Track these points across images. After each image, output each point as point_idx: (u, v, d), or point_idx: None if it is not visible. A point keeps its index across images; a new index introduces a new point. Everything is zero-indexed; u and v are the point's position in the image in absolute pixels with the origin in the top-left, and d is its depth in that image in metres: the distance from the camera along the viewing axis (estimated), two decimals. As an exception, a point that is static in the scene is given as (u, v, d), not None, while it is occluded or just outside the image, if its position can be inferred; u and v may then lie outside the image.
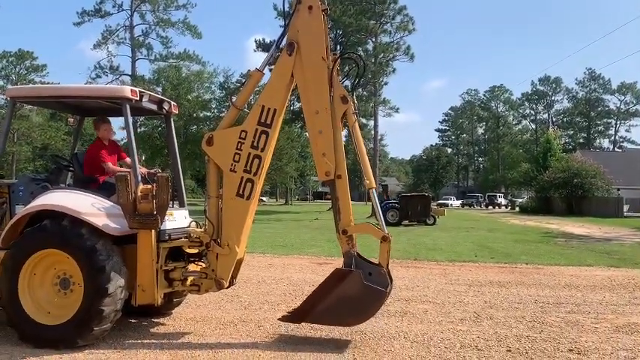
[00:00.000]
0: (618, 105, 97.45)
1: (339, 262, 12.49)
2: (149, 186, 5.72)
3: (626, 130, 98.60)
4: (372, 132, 49.85)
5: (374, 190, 5.99)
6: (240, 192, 5.69)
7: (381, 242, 5.69)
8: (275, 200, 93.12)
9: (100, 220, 5.60)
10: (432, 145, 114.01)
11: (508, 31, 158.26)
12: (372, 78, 47.13)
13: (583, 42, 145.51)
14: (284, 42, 5.81)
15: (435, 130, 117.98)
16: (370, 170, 6.00)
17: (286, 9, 5.99)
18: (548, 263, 13.07)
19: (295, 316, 5.96)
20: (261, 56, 45.70)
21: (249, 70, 58.72)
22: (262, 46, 51.94)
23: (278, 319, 6.23)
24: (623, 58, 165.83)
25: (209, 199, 5.93)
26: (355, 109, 5.78)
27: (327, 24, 5.76)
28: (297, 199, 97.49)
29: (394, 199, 32.00)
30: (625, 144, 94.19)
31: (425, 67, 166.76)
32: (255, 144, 5.68)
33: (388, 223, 28.14)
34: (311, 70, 5.63)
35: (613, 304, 8.27)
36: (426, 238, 20.41)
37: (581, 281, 10.38)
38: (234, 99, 6.03)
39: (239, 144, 5.69)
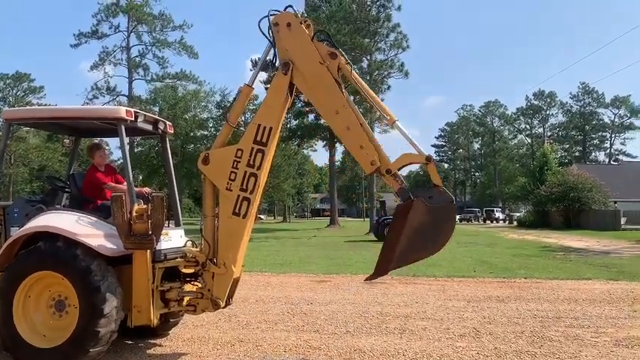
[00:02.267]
0: (612, 118, 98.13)
1: (337, 280, 12.58)
2: (144, 206, 5.71)
3: (621, 143, 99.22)
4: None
5: (397, 123, 5.69)
6: (237, 210, 5.67)
7: (427, 165, 5.51)
8: (273, 218, 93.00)
9: (95, 241, 5.57)
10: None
11: (503, 46, 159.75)
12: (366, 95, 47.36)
13: (576, 56, 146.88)
14: (270, 59, 5.83)
15: (432, 145, 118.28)
16: (384, 106, 5.89)
17: (267, 31, 5.90)
18: (547, 277, 13.02)
19: (379, 271, 5.82)
20: (259, 75, 45.88)
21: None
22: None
23: (364, 281, 6.20)
24: (615, 72, 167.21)
25: (205, 218, 5.91)
26: (346, 60, 5.71)
27: (312, 30, 5.76)
28: (295, 217, 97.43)
29: (392, 216, 31.92)
30: (621, 157, 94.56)
31: (423, 84, 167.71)
32: (251, 162, 5.67)
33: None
34: (314, 78, 5.62)
35: (612, 318, 8.23)
36: (425, 253, 20.29)
37: (580, 295, 10.34)
38: (229, 115, 6.03)
39: (235, 163, 5.68)
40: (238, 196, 5.65)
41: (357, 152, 5.60)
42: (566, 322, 7.92)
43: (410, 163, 5.60)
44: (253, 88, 6.02)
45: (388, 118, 5.68)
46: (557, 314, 8.50)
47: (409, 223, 5.40)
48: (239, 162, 5.66)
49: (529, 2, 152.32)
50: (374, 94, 6.04)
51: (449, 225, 5.55)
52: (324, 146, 56.09)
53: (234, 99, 6.14)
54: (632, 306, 9.23)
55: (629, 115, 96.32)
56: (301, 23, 5.68)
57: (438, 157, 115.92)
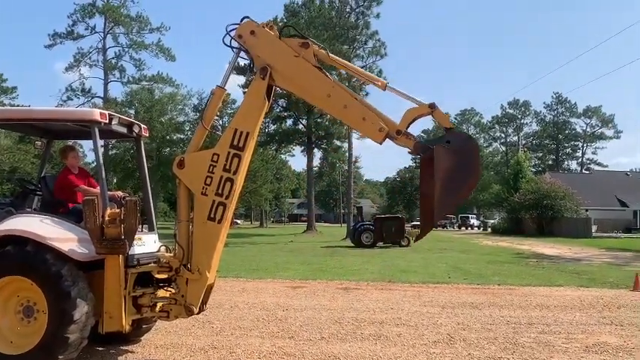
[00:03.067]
0: (584, 128, 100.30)
1: (313, 286, 12.57)
2: (117, 210, 5.62)
3: (593, 153, 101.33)
4: (347, 154, 50.12)
5: (389, 85, 5.65)
6: (212, 215, 5.60)
7: (433, 113, 5.43)
8: (250, 223, 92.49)
9: (66, 245, 5.46)
10: (405, 168, 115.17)
11: (480, 53, 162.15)
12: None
13: (550, 67, 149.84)
14: (247, 64, 5.82)
15: (409, 152, 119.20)
16: (371, 74, 5.87)
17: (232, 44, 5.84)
18: (520, 284, 13.20)
19: (425, 227, 5.80)
20: (236, 79, 45.88)
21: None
22: (236, 68, 52.05)
23: (415, 242, 5.98)
24: (588, 83, 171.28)
25: (179, 223, 5.83)
26: (319, 46, 5.71)
27: (276, 30, 5.75)
28: (273, 222, 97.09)
29: (369, 221, 32.08)
30: (592, 166, 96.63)
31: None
32: (227, 167, 5.61)
33: (363, 245, 28.38)
34: (294, 72, 5.61)
35: (583, 324, 8.38)
36: (400, 259, 20.46)
37: (552, 301, 10.50)
38: (203, 118, 5.95)
39: (211, 167, 5.62)
40: (214, 201, 5.59)
41: (362, 126, 5.54)
42: (538, 329, 8.03)
43: (417, 117, 5.50)
44: (225, 90, 5.96)
45: (379, 83, 5.66)
46: (530, 320, 8.62)
47: (437, 172, 5.30)
48: (215, 166, 5.61)
49: (504, 14, 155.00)
50: (357, 67, 6.07)
51: (475, 160, 5.46)
52: (302, 151, 56.04)
53: (207, 101, 6.08)
54: (601, 312, 9.40)
55: (600, 124, 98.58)
56: (264, 27, 5.69)
57: (414, 164, 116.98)
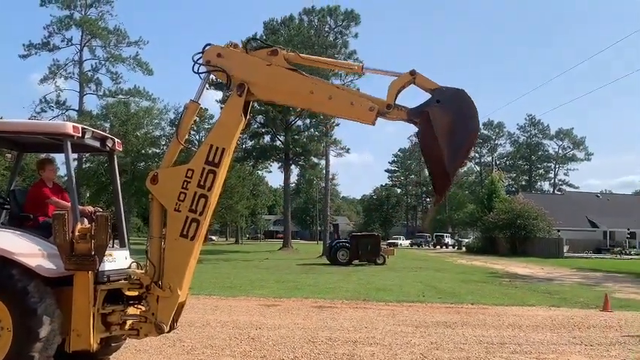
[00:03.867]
0: (557, 150, 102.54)
1: (287, 304, 12.47)
2: (88, 225, 5.51)
3: (565, 174, 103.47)
4: (324, 171, 50.25)
5: (364, 65, 5.64)
6: (185, 232, 5.51)
7: (415, 79, 5.37)
8: (225, 239, 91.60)
9: (34, 261, 5.32)
10: (382, 186, 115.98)
11: (455, 77, 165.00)
12: (323, 119, 47.89)
13: (524, 89, 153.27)
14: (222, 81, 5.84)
15: (385, 170, 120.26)
16: (346, 62, 5.88)
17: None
18: (493, 303, 13.31)
19: (441, 187, 5.57)
20: (214, 94, 45.80)
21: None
22: (214, 84, 52.14)
23: (434, 205, 5.79)
24: (560, 106, 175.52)
25: (151, 240, 5.73)
26: (287, 50, 5.74)
27: (240, 47, 5.79)
28: (248, 238, 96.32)
29: (345, 239, 32.07)
30: (564, 187, 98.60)
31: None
32: (201, 183, 5.55)
33: (339, 263, 28.32)
34: (270, 81, 5.61)
35: (554, 344, 8.47)
36: (376, 278, 20.47)
37: (524, 321, 10.59)
38: (177, 133, 5.90)
39: (185, 183, 5.55)
40: (187, 217, 5.51)
41: (351, 111, 5.51)
42: (510, 348, 8.09)
43: (401, 88, 5.46)
44: (199, 104, 5.95)
45: (355, 67, 5.68)
46: (502, 340, 8.67)
47: (438, 131, 5.26)
48: (189, 182, 5.54)
49: (479, 39, 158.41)
50: (330, 59, 6.09)
51: (469, 107, 5.40)
52: (279, 168, 56.02)
53: (181, 116, 6.05)
54: (572, 332, 9.52)
55: (572, 146, 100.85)
56: (229, 47, 5.74)
57: (390, 182, 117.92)
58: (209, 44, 5.76)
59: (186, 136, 5.99)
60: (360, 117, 5.51)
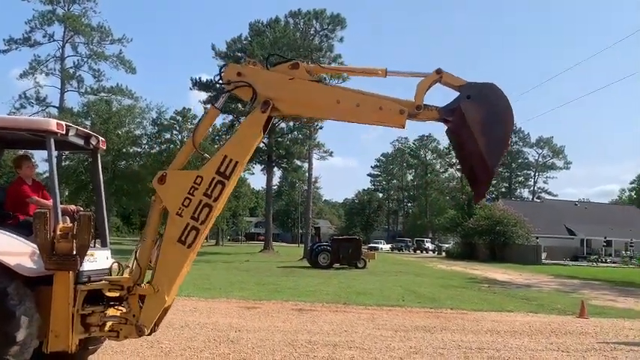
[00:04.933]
0: (536, 158, 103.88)
1: (267, 306, 12.45)
2: (70, 224, 5.44)
3: (544, 182, 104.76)
4: (307, 174, 50.26)
5: (387, 69, 5.51)
6: (183, 238, 5.40)
7: (441, 77, 5.30)
8: (205, 241, 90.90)
9: (13, 260, 5.23)
10: (364, 190, 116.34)
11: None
12: (307, 122, 47.95)
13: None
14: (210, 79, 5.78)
15: (368, 174, 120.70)
16: (367, 67, 5.78)
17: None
18: (471, 309, 13.44)
19: (483, 183, 5.50)
20: (197, 94, 45.58)
21: (184, 108, 57.84)
22: (198, 84, 51.95)
23: (474, 203, 5.60)
24: (541, 115, 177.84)
25: (143, 242, 5.62)
26: (307, 61, 5.69)
27: (259, 63, 5.76)
28: (229, 240, 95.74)
29: (326, 242, 32.11)
30: (543, 195, 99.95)
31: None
32: (208, 192, 5.43)
33: (320, 266, 28.34)
34: (296, 95, 5.50)
35: (531, 350, 8.58)
36: (356, 281, 20.53)
37: (502, 327, 10.72)
38: (194, 136, 5.78)
39: (192, 189, 5.42)
40: (188, 224, 5.40)
41: (381, 116, 5.39)
42: (488, 354, 8.18)
43: (428, 87, 5.37)
44: (220, 111, 5.87)
45: (379, 72, 5.53)
46: (480, 345, 8.77)
47: (474, 126, 5.20)
48: (196, 189, 5.42)
49: (463, 44, 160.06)
50: (351, 66, 6.02)
51: (501, 98, 5.34)
52: (261, 170, 55.88)
53: (199, 120, 5.98)
54: (549, 338, 9.66)
55: (551, 155, 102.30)
56: (247, 64, 5.65)
57: (373, 187, 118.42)
58: (226, 64, 5.68)
59: (201, 141, 5.89)
60: (389, 121, 5.43)
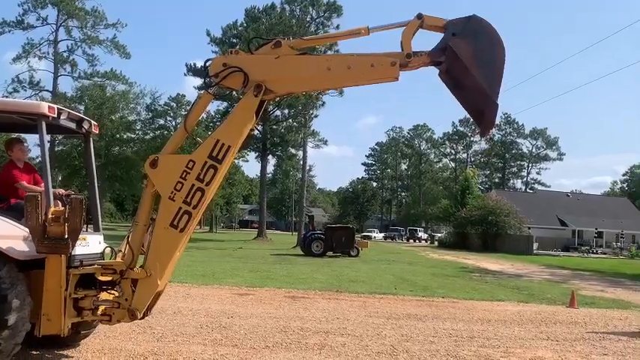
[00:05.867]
0: (530, 149, 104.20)
1: (260, 293, 12.49)
2: (61, 208, 5.42)
3: (537, 173, 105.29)
4: (301, 162, 50.22)
5: (368, 27, 5.47)
6: (175, 222, 5.40)
7: (423, 21, 5.26)
8: (199, 227, 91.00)
9: (4, 243, 5.21)
10: (358, 179, 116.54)
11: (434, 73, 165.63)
12: (302, 110, 47.83)
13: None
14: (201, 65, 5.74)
15: (362, 163, 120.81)
16: (348, 30, 5.73)
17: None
18: (463, 297, 13.52)
19: (490, 118, 5.40)
20: (193, 80, 45.31)
21: (178, 94, 57.51)
22: (193, 70, 51.65)
23: (479, 136, 5.52)
24: (535, 105, 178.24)
25: (135, 226, 5.61)
26: (289, 37, 5.68)
27: (242, 51, 5.74)
28: (222, 227, 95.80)
29: (320, 230, 32.17)
30: (536, 185, 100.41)
31: (361, 104, 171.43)
32: (201, 176, 5.42)
33: (313, 254, 28.42)
34: (286, 72, 5.48)
35: (521, 339, 8.66)
36: (349, 269, 20.60)
37: (493, 316, 10.80)
38: (186, 120, 5.73)
39: (184, 173, 5.42)
40: (180, 208, 5.39)
41: (374, 73, 5.37)
42: (479, 342, 8.24)
43: (413, 34, 5.30)
44: (213, 96, 5.84)
45: (362, 30, 5.47)
46: (471, 334, 8.84)
47: (467, 60, 5.16)
48: (189, 173, 5.41)
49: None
50: (333, 33, 5.98)
51: (488, 29, 5.29)
52: (256, 157, 55.80)
53: (192, 104, 5.93)
54: (539, 327, 9.75)
55: (545, 146, 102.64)
56: (231, 53, 5.63)
57: (367, 176, 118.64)
58: (209, 59, 5.63)
59: (193, 126, 5.86)
60: (383, 76, 5.41)
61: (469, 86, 5.29)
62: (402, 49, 5.29)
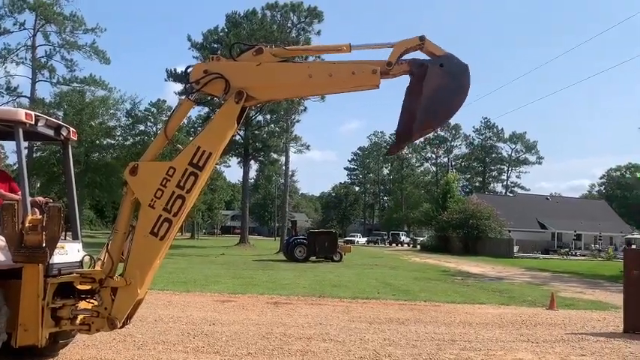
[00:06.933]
0: (510, 153, 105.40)
1: (243, 300, 12.42)
2: (39, 216, 5.34)
3: (517, 176, 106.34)
4: (283, 167, 50.15)
5: (350, 44, 5.48)
6: (155, 230, 5.33)
7: (424, 44, 5.26)
8: (180, 234, 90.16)
9: (-20, 252, 5.13)
10: (340, 183, 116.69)
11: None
12: (284, 115, 47.81)
13: (480, 92, 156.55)
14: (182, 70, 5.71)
15: (345, 168, 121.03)
16: (331, 45, 5.67)
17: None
18: (445, 301, 13.62)
19: (401, 140, 5.49)
20: (173, 86, 45.04)
21: (158, 99, 57.13)
22: (174, 76, 51.32)
23: (387, 155, 5.52)
24: (514, 110, 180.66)
25: (115, 234, 5.55)
26: (271, 45, 5.66)
27: (223, 57, 5.71)
28: (204, 233, 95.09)
29: (302, 236, 32.14)
30: (516, 189, 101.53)
31: (343, 109, 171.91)
32: (181, 184, 5.37)
33: (296, 259, 28.37)
34: (265, 79, 5.46)
35: (502, 341, 8.74)
36: (332, 274, 20.61)
37: (474, 319, 10.89)
38: (166, 127, 5.66)
39: (164, 180, 5.36)
40: (160, 215, 5.33)
41: (355, 80, 5.37)
42: (460, 345, 8.31)
43: (407, 49, 5.30)
44: (194, 103, 5.79)
45: (344, 47, 5.48)
46: (453, 337, 8.90)
47: (426, 88, 5.19)
48: (169, 180, 5.35)
49: (442, 41, 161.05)
50: (315, 45, 6.00)
51: (464, 85, 5.35)
52: (238, 163, 55.57)
53: (173, 111, 5.88)
54: (519, 330, 9.85)
55: (524, 150, 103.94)
56: (212, 59, 5.60)
57: (349, 180, 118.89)
58: (190, 66, 5.60)
59: (174, 132, 5.80)
60: (364, 84, 5.42)
61: (410, 107, 5.34)
62: (389, 58, 5.30)
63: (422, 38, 5.26)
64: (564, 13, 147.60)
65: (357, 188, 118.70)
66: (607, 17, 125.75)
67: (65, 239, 6.02)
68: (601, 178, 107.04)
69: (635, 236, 60.97)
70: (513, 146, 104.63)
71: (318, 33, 48.83)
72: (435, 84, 5.22)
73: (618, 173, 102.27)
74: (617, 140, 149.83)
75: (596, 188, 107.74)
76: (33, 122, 5.63)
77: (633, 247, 47.90)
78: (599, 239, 55.59)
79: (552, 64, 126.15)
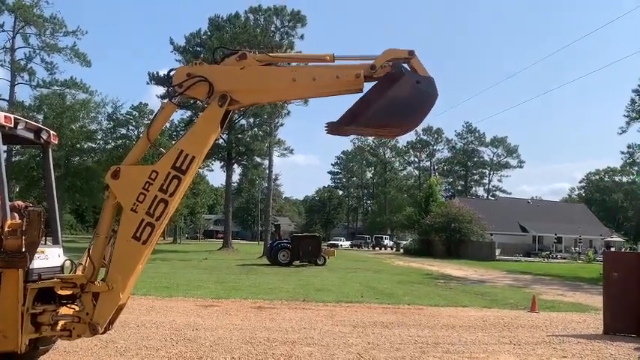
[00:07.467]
0: (491, 157, 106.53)
1: (226, 305, 12.36)
2: (18, 221, 5.26)
3: (499, 180, 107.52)
4: (267, 171, 50.03)
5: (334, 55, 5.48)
6: (138, 234, 5.27)
7: (411, 60, 5.30)
8: (162, 238, 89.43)
9: (-43, 258, 5.03)
10: (324, 187, 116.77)
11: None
12: (267, 119, 47.72)
13: (462, 96, 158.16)
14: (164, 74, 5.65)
15: (328, 172, 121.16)
16: (315, 54, 5.63)
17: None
18: (428, 304, 13.69)
19: (342, 123, 5.35)
20: (155, 89, 44.75)
21: (140, 103, 56.65)
22: (156, 79, 50.97)
23: (325, 127, 5.52)
24: (495, 114, 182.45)
25: (97, 238, 5.46)
26: (254, 51, 5.65)
27: (206, 62, 5.70)
28: (187, 238, 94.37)
29: (286, 239, 32.06)
30: (497, 193, 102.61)
31: (327, 113, 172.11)
32: (164, 187, 5.31)
33: (279, 263, 28.29)
34: (250, 82, 5.44)
35: (484, 344, 8.82)
36: (316, 278, 20.59)
37: (457, 322, 10.97)
38: (149, 130, 5.61)
39: (147, 184, 5.30)
40: (142, 219, 5.27)
41: (339, 84, 5.38)
42: (444, 348, 8.36)
43: (393, 58, 5.30)
44: (177, 107, 5.75)
45: (327, 57, 5.49)
46: (436, 340, 8.95)
47: (391, 92, 5.18)
48: (151, 184, 5.29)
49: (420, 44, 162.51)
50: (299, 54, 5.99)
51: (423, 113, 5.35)
52: (221, 167, 55.31)
53: (155, 114, 5.82)
54: (501, 332, 9.95)
55: (505, 154, 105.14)
56: (195, 64, 5.58)
57: (333, 184, 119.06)
58: (172, 69, 5.56)
59: (156, 136, 5.73)
60: (348, 87, 5.41)
61: (367, 102, 5.31)
62: (373, 62, 5.31)
63: (411, 53, 5.30)
64: (547, 17, 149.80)
65: (340, 192, 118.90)
66: (590, 22, 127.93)
67: (45, 244, 5.93)
68: (581, 182, 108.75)
69: (614, 239, 62.11)
70: (495, 150, 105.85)
71: (302, 37, 48.91)
72: (403, 92, 5.23)
73: (597, 177, 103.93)
74: (597, 145, 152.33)
75: (576, 192, 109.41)
76: (12, 125, 5.56)
77: (612, 249, 48.92)
78: (579, 242, 56.39)
79: (533, 69, 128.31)
